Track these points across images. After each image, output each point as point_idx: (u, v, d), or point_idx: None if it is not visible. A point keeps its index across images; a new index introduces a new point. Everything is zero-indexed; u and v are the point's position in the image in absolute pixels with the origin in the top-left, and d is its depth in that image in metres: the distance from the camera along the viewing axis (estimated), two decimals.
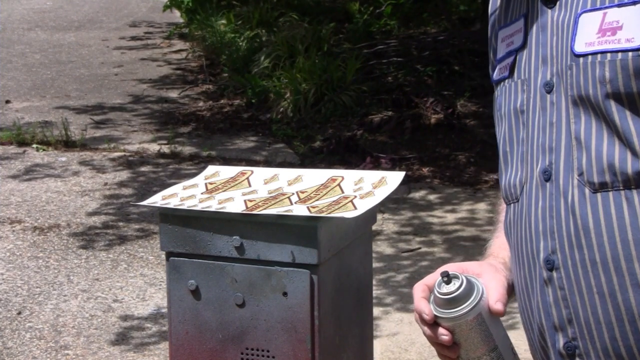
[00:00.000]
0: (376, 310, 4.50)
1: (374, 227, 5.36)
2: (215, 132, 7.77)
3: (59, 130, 7.37)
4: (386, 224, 5.82)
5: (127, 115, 8.19)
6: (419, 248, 5.47)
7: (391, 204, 6.10)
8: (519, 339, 4.45)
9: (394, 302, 4.75)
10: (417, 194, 6.38)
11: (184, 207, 2.87)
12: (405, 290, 4.91)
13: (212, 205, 2.87)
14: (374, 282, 4.86)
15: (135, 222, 5.76)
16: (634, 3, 1.40)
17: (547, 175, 1.56)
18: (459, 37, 9.02)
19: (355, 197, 2.89)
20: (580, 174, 1.47)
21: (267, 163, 6.87)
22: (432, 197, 6.35)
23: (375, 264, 5.07)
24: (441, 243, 5.56)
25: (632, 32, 1.39)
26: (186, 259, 2.88)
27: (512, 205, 1.71)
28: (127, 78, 9.54)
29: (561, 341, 1.60)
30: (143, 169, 6.77)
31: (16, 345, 4.27)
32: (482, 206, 6.17)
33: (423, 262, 5.28)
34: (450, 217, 5.97)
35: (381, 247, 5.46)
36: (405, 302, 4.76)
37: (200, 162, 6.88)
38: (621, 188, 1.41)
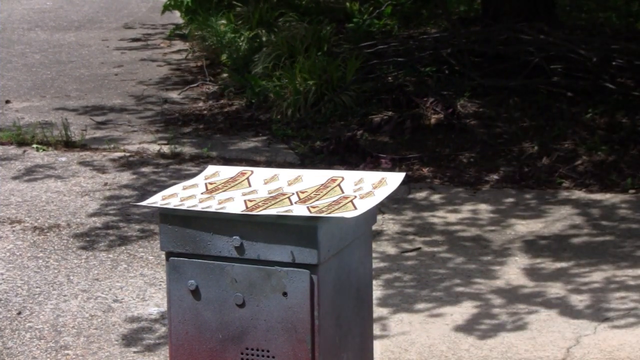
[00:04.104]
0: (376, 310, 4.50)
1: (375, 228, 5.36)
2: (216, 132, 7.77)
3: (59, 130, 7.37)
4: (387, 224, 5.82)
5: (127, 116, 8.19)
6: (419, 248, 5.47)
7: (392, 204, 6.10)
8: (518, 339, 4.47)
9: (395, 303, 4.75)
10: (417, 194, 6.38)
11: (184, 207, 2.87)
12: (406, 290, 4.91)
13: (212, 205, 2.87)
14: (375, 282, 4.85)
15: (136, 222, 5.76)
16: None
17: None
18: (459, 37, 9.01)
19: (355, 197, 2.89)
20: None
21: (267, 163, 6.87)
22: (433, 197, 6.35)
23: (376, 264, 5.06)
24: (443, 243, 5.56)
25: None
26: (186, 259, 2.88)
27: None
28: (127, 78, 9.54)
29: None
30: (143, 169, 6.77)
31: (16, 345, 4.27)
32: (483, 206, 6.17)
33: (425, 263, 5.28)
34: (451, 217, 5.97)
35: (382, 247, 5.46)
36: (405, 303, 4.76)
37: (200, 163, 6.88)
38: None
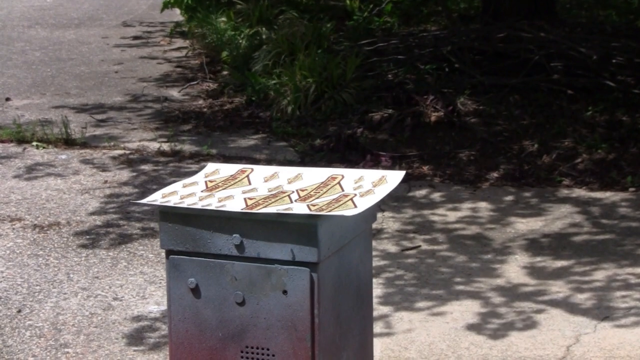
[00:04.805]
0: (376, 308, 4.50)
1: (375, 226, 5.36)
2: (216, 130, 7.77)
3: (59, 128, 7.37)
4: (387, 222, 5.82)
5: (127, 113, 8.19)
6: (420, 246, 5.47)
7: (392, 202, 6.10)
8: (518, 337, 4.46)
9: (395, 301, 4.75)
10: (417, 192, 6.38)
11: (184, 205, 2.87)
12: (406, 288, 4.91)
13: (212, 203, 2.87)
14: (375, 280, 4.85)
15: (136, 220, 5.76)
16: None
17: None
18: (459, 35, 9.00)
19: (355, 195, 2.89)
20: None
21: (267, 161, 6.86)
22: (433, 195, 6.35)
23: (376, 262, 5.06)
24: (443, 241, 5.56)
25: None
26: (186, 257, 2.88)
27: None
28: (127, 76, 9.53)
29: None
30: (143, 167, 6.77)
31: (16, 344, 4.26)
32: (483, 204, 6.16)
33: (425, 261, 5.28)
34: (451, 215, 5.97)
35: (382, 245, 5.45)
36: (406, 301, 4.76)
37: (200, 160, 6.88)
38: None
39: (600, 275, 5.06)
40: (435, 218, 5.93)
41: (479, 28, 9.29)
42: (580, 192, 6.38)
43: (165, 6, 11.32)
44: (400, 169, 6.62)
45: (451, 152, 7.10)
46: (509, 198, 6.29)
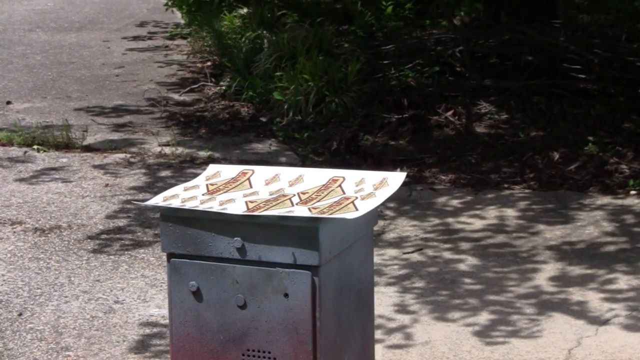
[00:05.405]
0: (377, 311, 4.49)
1: (376, 229, 5.35)
2: (217, 133, 7.77)
3: (60, 131, 7.37)
4: (388, 225, 5.81)
5: (128, 117, 8.19)
6: (421, 249, 5.46)
7: (393, 205, 6.09)
8: (520, 340, 4.45)
9: (396, 303, 4.75)
10: (419, 195, 6.38)
11: (186, 208, 2.87)
12: (407, 291, 4.90)
13: (214, 206, 2.87)
14: (376, 283, 4.84)
15: (137, 223, 5.76)
16: None
17: None
18: (461, 38, 9.00)
19: (357, 198, 2.89)
20: None
21: (268, 164, 6.86)
22: (434, 198, 6.34)
23: (377, 266, 5.05)
24: (445, 244, 5.55)
25: None
26: (187, 260, 2.88)
27: None
28: (128, 79, 9.53)
29: None
30: (144, 170, 6.76)
31: (17, 347, 4.26)
32: (485, 208, 6.16)
33: (426, 264, 5.27)
34: (453, 219, 5.96)
35: (383, 248, 5.45)
36: (407, 304, 4.75)
37: (201, 164, 6.87)
38: None
39: (600, 277, 5.05)
40: (437, 221, 5.92)
41: (481, 32, 9.29)
42: (581, 196, 6.37)
43: (168, 6, 11.32)
44: (402, 172, 6.62)
45: (452, 156, 7.10)
46: (511, 201, 6.29)
